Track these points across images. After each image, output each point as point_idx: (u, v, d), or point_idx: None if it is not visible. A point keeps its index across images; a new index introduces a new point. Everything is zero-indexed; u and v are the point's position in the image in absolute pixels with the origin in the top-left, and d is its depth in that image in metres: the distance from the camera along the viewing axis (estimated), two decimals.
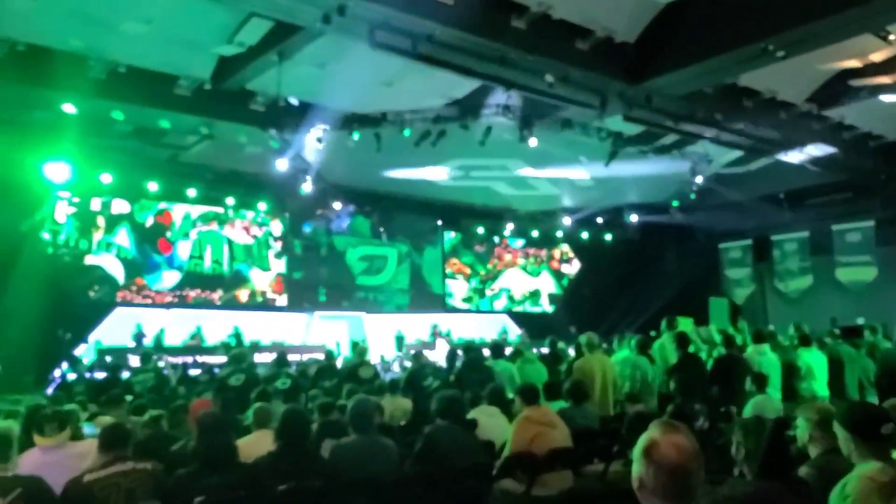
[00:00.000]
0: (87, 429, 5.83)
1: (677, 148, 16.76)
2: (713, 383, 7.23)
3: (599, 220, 21.03)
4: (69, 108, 14.08)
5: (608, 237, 22.25)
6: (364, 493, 4.42)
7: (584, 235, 22.29)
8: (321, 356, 14.81)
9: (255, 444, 5.06)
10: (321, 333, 19.04)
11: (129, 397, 7.65)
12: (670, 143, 16.59)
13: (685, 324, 10.04)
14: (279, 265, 19.60)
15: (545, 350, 11.41)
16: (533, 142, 14.90)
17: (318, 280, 20.07)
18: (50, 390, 12.77)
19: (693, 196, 18.45)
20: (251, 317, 18.37)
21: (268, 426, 5.36)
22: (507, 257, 22.95)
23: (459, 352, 9.01)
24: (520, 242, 23.02)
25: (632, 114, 14.07)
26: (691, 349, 8.26)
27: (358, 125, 14.87)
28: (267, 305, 19.18)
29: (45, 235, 16.67)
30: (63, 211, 16.89)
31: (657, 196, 19.29)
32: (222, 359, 15.72)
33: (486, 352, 9.47)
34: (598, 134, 15.48)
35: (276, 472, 4.20)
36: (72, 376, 13.23)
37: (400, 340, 18.48)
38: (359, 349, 9.97)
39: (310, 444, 4.41)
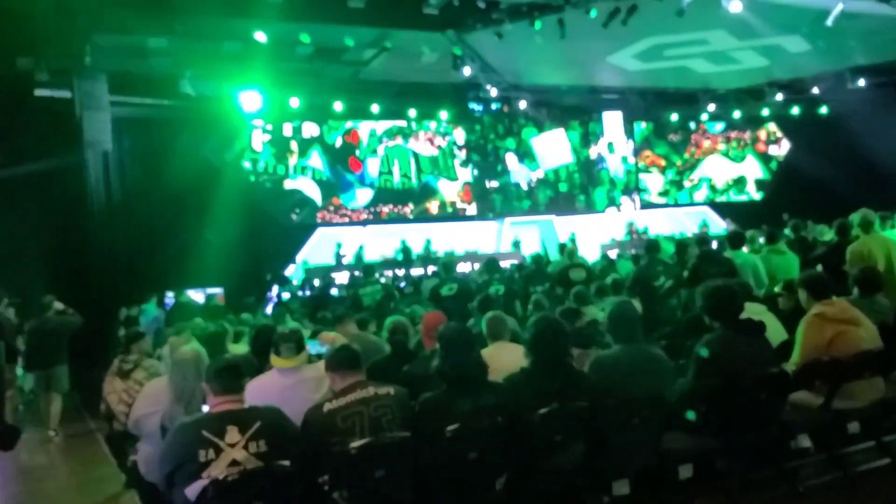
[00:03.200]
0: (310, 347, 5.45)
1: None
2: None
3: (815, 90, 18.16)
4: (261, 36, 14.09)
5: (824, 110, 19.35)
6: (639, 413, 3.60)
7: (795, 111, 19.54)
8: (515, 262, 14.29)
9: (495, 359, 4.40)
10: (512, 240, 18.46)
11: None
12: None
13: None
14: (465, 174, 19.06)
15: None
16: (736, 6, 12.93)
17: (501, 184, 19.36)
18: (269, 309, 13.26)
19: None
20: (442, 228, 18.12)
21: (504, 337, 4.68)
22: (706, 144, 20.77)
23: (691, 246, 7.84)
24: (719, 126, 20.70)
25: None
26: None
27: (539, 13, 13.59)
28: (457, 215, 18.82)
29: (246, 164, 17.21)
30: (259, 139, 17.29)
31: (889, 53, 16.29)
32: (420, 271, 15.75)
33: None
34: None
35: (534, 392, 3.47)
36: (285, 295, 13.60)
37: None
38: (567, 250, 9.10)
39: (570, 358, 3.63)
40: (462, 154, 19.04)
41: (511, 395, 3.48)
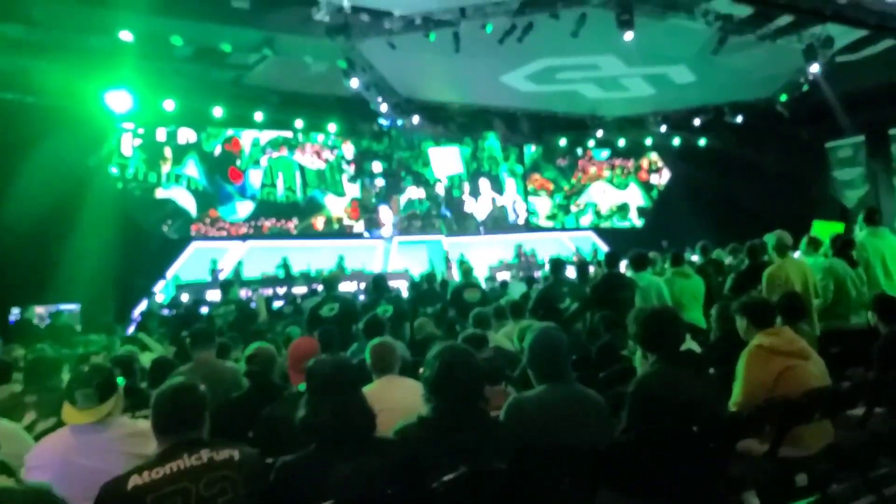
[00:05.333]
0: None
1: (794, 31, 14.17)
2: None
3: (697, 122, 18.44)
4: (126, 35, 12.62)
5: (702, 142, 19.75)
6: (570, 471, 2.72)
7: (676, 142, 19.82)
8: (404, 283, 13.38)
9: (384, 398, 3.42)
10: (400, 260, 17.57)
11: None
12: (785, 24, 14.01)
13: None
14: (354, 189, 17.99)
15: None
16: (629, 35, 12.72)
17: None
18: (131, 329, 11.67)
19: (806, 87, 15.93)
20: (329, 245, 16.97)
21: (393, 370, 3.73)
22: (592, 170, 20.73)
23: (591, 268, 7.16)
24: (605, 153, 20.73)
25: None
26: None
27: (434, 26, 12.85)
28: (344, 233, 17.69)
29: (113, 170, 15.41)
30: (129, 143, 15.54)
31: (764, 91, 16.74)
32: (305, 289, 14.50)
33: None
34: (705, 18, 13.10)
35: (436, 448, 2.52)
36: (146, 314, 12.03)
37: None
38: (464, 268, 8.25)
39: (482, 401, 2.70)
40: (351, 169, 17.98)
41: (406, 453, 2.52)
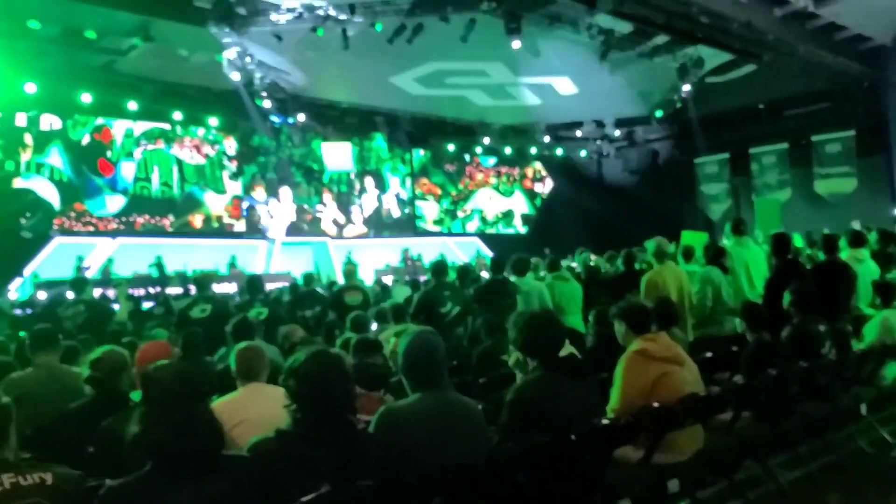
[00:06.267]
0: None
1: (669, 50, 14.83)
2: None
3: (578, 133, 18.98)
4: None
5: (583, 154, 20.36)
6: (444, 490, 2.51)
7: (559, 152, 20.33)
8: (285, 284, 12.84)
9: (244, 409, 3.10)
10: (283, 261, 16.93)
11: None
12: (662, 44, 14.65)
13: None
14: (235, 187, 17.17)
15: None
16: (516, 44, 12.88)
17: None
18: None
19: (679, 104, 16.72)
20: (206, 245, 16.10)
21: (260, 377, 3.40)
22: (479, 177, 20.92)
23: (484, 273, 7.05)
24: (492, 161, 20.97)
25: (623, 8, 12.30)
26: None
27: (322, 21, 12.45)
28: (224, 231, 16.84)
29: None
30: None
31: (641, 107, 17.44)
32: (180, 290, 13.64)
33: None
34: (588, 31, 13.44)
35: (295, 467, 2.24)
36: None
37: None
38: (347, 269, 7.95)
39: (352, 414, 2.44)
40: (232, 165, 17.16)
41: (259, 472, 2.22)
